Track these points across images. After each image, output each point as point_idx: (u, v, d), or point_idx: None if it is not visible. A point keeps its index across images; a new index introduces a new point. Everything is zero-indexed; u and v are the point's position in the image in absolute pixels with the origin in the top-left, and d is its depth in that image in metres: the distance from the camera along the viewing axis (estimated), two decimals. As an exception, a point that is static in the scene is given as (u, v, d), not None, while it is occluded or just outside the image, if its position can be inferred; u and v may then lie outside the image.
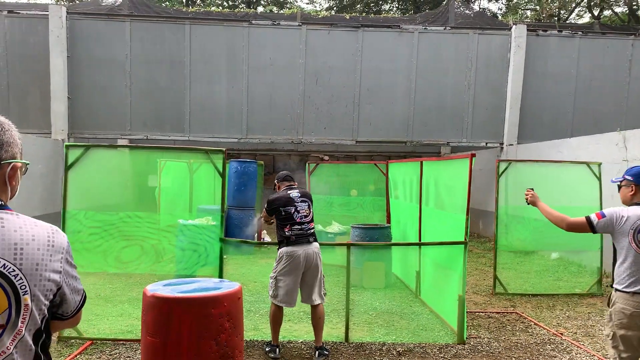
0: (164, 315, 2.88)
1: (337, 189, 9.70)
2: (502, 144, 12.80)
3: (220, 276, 5.16)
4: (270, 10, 26.50)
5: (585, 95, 12.74)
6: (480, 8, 26.34)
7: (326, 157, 18.33)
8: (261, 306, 6.45)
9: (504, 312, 6.43)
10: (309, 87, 12.39)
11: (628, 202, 3.46)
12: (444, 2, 17.38)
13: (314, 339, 4.88)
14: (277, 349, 4.83)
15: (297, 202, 4.89)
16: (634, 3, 24.68)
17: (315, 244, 4.87)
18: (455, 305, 5.35)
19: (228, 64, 12.18)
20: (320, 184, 9.75)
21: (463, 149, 13.92)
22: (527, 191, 4.01)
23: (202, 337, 2.85)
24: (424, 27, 12.65)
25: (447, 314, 5.79)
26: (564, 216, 3.60)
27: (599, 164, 7.66)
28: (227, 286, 3.18)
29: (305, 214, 4.88)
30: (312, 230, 4.91)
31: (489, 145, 12.94)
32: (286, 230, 4.79)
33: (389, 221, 8.90)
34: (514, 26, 12.62)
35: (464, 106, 12.76)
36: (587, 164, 7.66)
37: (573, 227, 3.53)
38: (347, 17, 13.98)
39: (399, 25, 12.62)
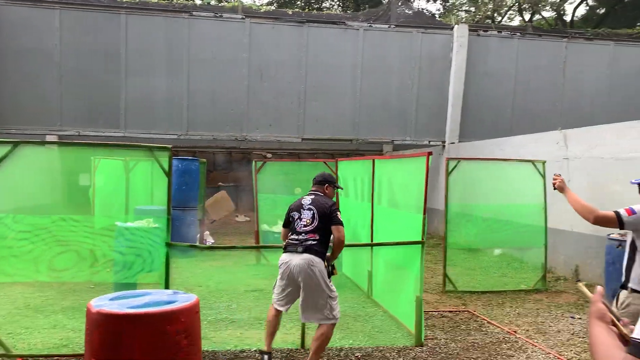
0: (113, 335, 2.54)
1: (283, 187, 9.43)
2: (444, 142, 12.98)
3: (167, 284, 4.79)
4: (208, 3, 25.77)
5: (523, 94, 13.14)
6: (419, 8, 26.81)
7: (269, 155, 18.01)
8: (208, 312, 6.10)
9: (456, 311, 6.41)
10: (254, 82, 12.05)
11: None
12: (386, 1, 17.49)
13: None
14: (266, 356, 4.41)
15: (304, 210, 4.49)
16: (561, 8, 25.91)
17: (306, 256, 4.27)
18: (411, 306, 5.25)
19: (168, 56, 11.62)
20: (266, 183, 9.45)
21: (406, 147, 14.03)
22: (556, 176, 3.78)
23: (157, 358, 2.54)
24: (368, 25, 12.62)
25: (402, 315, 5.68)
26: (592, 208, 3.44)
27: (544, 162, 7.83)
28: (182, 299, 2.87)
29: (305, 223, 4.41)
30: (310, 243, 4.31)
31: (432, 143, 13.09)
32: (288, 236, 4.51)
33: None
34: (456, 26, 12.81)
35: (408, 104, 12.84)
36: (533, 162, 7.81)
37: (600, 221, 3.41)
38: (290, 13, 13.73)
39: (344, 22, 12.52)
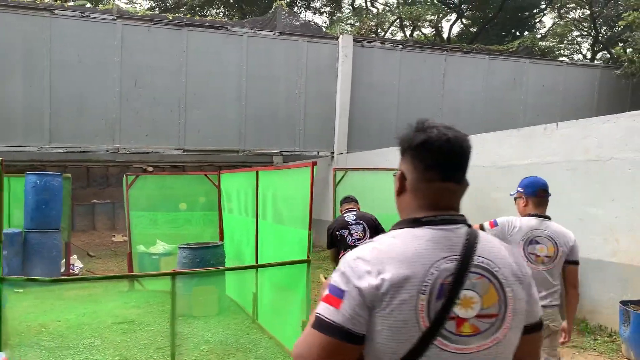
0: None
1: (162, 203, 8.59)
2: (333, 153, 12.79)
3: (-2, 327, 3.86)
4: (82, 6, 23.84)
5: (406, 105, 13.36)
6: (305, 20, 26.91)
7: (150, 168, 16.77)
8: (64, 354, 5.17)
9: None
10: (127, 88, 11.02)
11: (522, 214, 3.39)
12: (271, 10, 17.17)
13: None
14: None
15: (352, 225, 4.93)
16: (439, 25, 27.34)
17: None
18: (298, 331, 4.76)
19: (25, 59, 10.25)
20: (141, 199, 8.54)
21: (296, 159, 13.68)
22: None
23: None
24: (252, 31, 12.13)
25: (289, 341, 5.18)
26: None
27: (428, 171, 7.78)
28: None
29: (358, 237, 4.86)
30: None
31: (320, 154, 12.85)
32: (341, 255, 4.62)
33: (222, 238, 8.08)
34: (341, 36, 12.74)
35: (296, 115, 12.51)
36: (418, 171, 7.73)
37: None
38: (170, 17, 12.86)
39: (227, 27, 11.91)
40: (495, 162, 7.64)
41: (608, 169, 5.91)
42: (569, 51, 28.39)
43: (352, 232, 4.88)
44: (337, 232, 4.94)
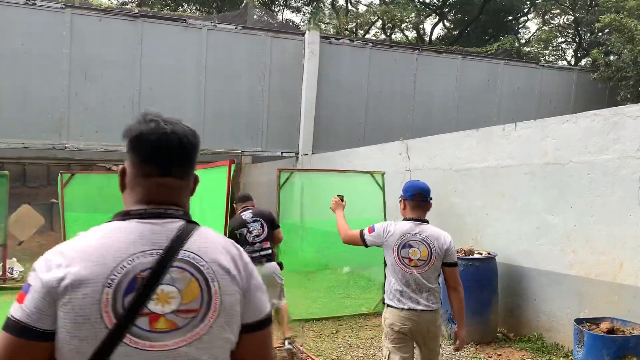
0: None
1: (101, 204, 7.96)
2: (297, 153, 12.24)
3: None
4: None
5: (375, 106, 12.85)
6: (284, 19, 26.36)
7: (114, 167, 16.10)
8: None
9: (279, 347, 5.48)
10: (76, 82, 10.38)
11: (403, 217, 3.44)
12: (242, 5, 16.61)
13: None
14: None
15: (250, 223, 5.15)
16: (419, 26, 26.95)
17: (270, 264, 5.08)
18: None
19: (-37, 47, 9.58)
20: (78, 199, 7.91)
21: (259, 159, 13.12)
22: (334, 198, 3.96)
23: None
24: (213, 24, 11.54)
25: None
26: (346, 228, 3.66)
27: (383, 174, 7.28)
28: None
29: (257, 233, 5.09)
30: (267, 252, 5.11)
31: (284, 154, 12.29)
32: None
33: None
34: (307, 32, 12.20)
35: (259, 113, 11.94)
36: (371, 173, 7.22)
37: (349, 240, 3.58)
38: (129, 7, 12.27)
39: (185, 20, 11.32)
40: (454, 164, 7.14)
41: (567, 173, 5.43)
42: (553, 57, 28.18)
43: (250, 229, 5.10)
44: (237, 232, 5.07)
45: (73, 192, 7.91)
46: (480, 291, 5.68)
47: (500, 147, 6.30)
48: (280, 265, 5.43)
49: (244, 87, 11.77)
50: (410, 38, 28.02)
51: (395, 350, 3.22)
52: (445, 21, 29.54)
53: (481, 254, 5.93)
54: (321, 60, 12.14)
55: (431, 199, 3.43)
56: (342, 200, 3.96)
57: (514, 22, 27.70)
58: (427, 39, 27.45)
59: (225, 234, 4.21)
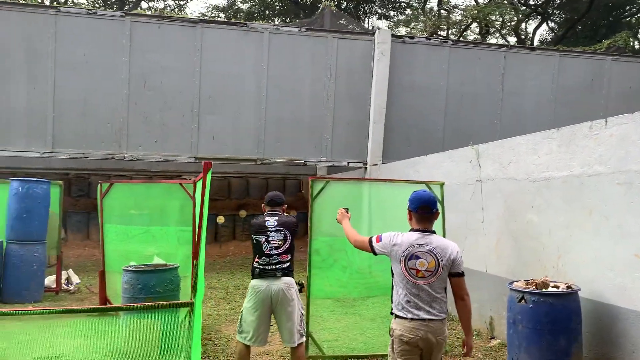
0: None
1: (135, 215, 7.50)
2: (365, 163, 11.20)
3: None
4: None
5: (456, 110, 11.49)
6: (372, 27, 25.46)
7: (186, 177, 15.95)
8: None
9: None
10: (136, 91, 10.20)
11: (410, 228, 3.47)
12: (318, 11, 15.99)
13: None
14: None
15: (271, 232, 4.50)
16: (519, 28, 24.78)
17: (285, 279, 4.43)
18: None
19: (28, 59, 9.73)
20: (115, 210, 7.49)
21: (334, 170, 12.25)
22: (340, 210, 4.10)
23: None
24: (275, 27, 10.91)
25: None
26: (354, 233, 3.79)
27: (442, 184, 6.07)
28: None
29: (277, 245, 4.48)
30: (285, 265, 4.47)
31: (351, 164, 11.30)
32: (255, 261, 4.49)
33: (196, 257, 6.80)
34: (377, 31, 11.18)
35: (324, 120, 11.08)
36: (427, 183, 6.03)
37: (359, 245, 3.65)
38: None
39: (246, 24, 10.79)
40: (530, 173, 5.76)
41: (679, 183, 3.93)
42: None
43: (270, 239, 4.47)
44: (254, 237, 4.51)
45: (112, 203, 7.50)
46: (555, 337, 4.30)
47: (587, 150, 4.87)
48: (301, 287, 4.88)
49: (307, 92, 10.99)
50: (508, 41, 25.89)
51: None
52: (549, 22, 27.05)
53: (558, 287, 4.54)
54: (392, 62, 11.05)
55: (437, 209, 3.45)
56: (347, 212, 4.08)
57: (629, 18, 24.58)
58: (528, 43, 25.20)
59: (193, 263, 3.34)
